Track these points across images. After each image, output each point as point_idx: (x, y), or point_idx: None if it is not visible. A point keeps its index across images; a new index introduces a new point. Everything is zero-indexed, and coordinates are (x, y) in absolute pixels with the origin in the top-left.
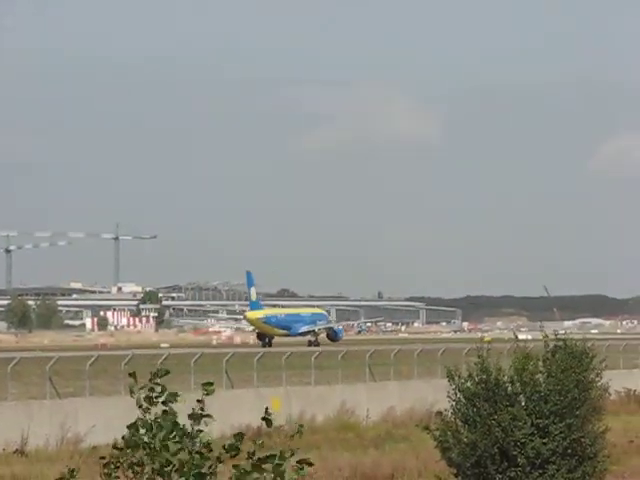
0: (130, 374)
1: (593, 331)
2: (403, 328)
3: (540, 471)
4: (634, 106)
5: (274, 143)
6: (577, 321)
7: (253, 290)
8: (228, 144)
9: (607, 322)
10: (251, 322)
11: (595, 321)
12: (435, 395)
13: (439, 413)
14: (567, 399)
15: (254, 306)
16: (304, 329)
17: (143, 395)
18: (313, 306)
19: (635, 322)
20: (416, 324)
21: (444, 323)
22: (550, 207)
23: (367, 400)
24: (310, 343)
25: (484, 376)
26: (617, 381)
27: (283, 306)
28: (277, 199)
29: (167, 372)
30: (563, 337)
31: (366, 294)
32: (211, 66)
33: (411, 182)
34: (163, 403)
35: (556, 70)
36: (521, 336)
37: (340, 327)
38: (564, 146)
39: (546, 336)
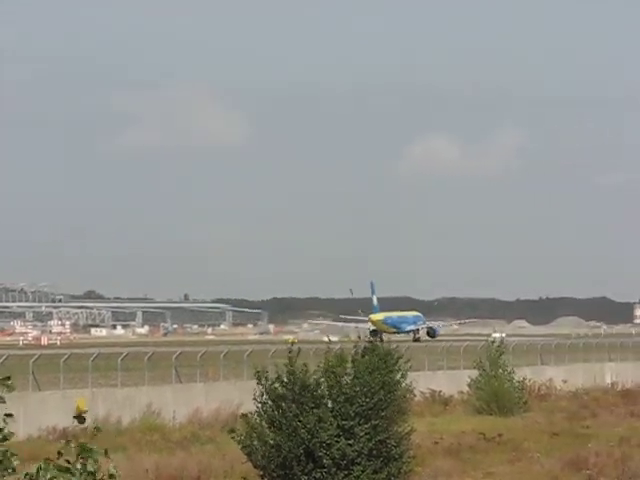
0: None
1: None
2: (209, 330)
3: (345, 472)
4: (442, 107)
5: (82, 143)
6: None
7: (375, 297)
8: (34, 145)
9: None
10: (373, 322)
11: None
12: (241, 396)
13: (244, 415)
14: (373, 400)
15: (375, 310)
16: (409, 328)
17: None
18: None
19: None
20: (222, 326)
21: (250, 325)
22: (357, 208)
23: (173, 402)
24: (414, 339)
25: (292, 377)
26: (422, 382)
27: (89, 307)
28: (83, 199)
29: (9, 377)
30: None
31: (172, 296)
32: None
33: (218, 182)
34: None
35: (366, 71)
36: (327, 338)
37: (437, 326)
38: (372, 147)
39: (348, 337)
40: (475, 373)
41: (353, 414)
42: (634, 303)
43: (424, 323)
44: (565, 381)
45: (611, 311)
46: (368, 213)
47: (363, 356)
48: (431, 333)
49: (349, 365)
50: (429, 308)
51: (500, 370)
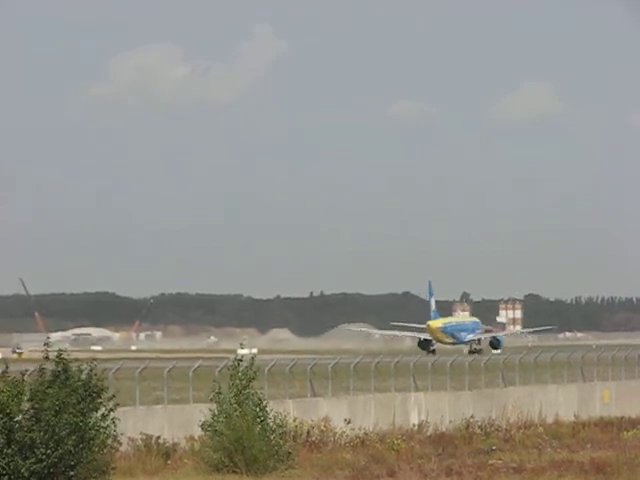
0: None
1: (95, 348)
2: None
3: None
4: None
5: None
6: (71, 332)
7: (433, 300)
8: None
9: (117, 334)
10: (432, 331)
11: (98, 332)
12: None
13: None
14: (58, 452)
15: (435, 316)
16: (469, 337)
17: None
18: None
19: (158, 333)
20: None
21: None
22: None
23: None
24: (474, 351)
25: None
26: (131, 424)
27: None
28: None
29: None
30: (66, 358)
31: None
32: None
33: None
34: None
35: None
36: None
37: (502, 335)
38: None
39: (47, 359)
40: (211, 408)
41: (28, 474)
42: (453, 302)
43: (482, 330)
44: (349, 421)
45: (418, 315)
46: None
47: (49, 387)
48: (495, 344)
49: (26, 399)
50: (139, 309)
51: (250, 405)
